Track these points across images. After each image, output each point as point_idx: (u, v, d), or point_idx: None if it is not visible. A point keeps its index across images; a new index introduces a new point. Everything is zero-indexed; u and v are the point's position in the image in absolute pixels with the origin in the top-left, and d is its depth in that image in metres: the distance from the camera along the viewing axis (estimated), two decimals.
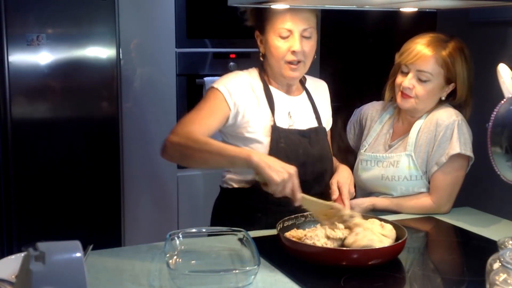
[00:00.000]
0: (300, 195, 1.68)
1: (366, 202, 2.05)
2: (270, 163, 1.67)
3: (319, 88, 2.12)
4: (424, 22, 2.51)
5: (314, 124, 2.01)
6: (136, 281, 1.44)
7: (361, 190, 2.16)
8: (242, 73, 1.99)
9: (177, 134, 1.80)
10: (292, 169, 1.67)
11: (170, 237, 1.58)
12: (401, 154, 2.06)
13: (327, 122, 2.10)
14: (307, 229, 1.69)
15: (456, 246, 1.89)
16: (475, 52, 2.12)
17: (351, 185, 1.96)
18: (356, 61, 3.73)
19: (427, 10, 2.05)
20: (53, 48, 2.75)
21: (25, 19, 2.69)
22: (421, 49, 2.01)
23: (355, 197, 2.02)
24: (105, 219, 2.96)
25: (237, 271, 1.47)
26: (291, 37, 1.88)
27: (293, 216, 1.76)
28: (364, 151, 2.16)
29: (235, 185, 1.97)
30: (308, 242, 1.56)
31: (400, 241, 1.58)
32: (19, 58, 2.70)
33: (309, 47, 1.91)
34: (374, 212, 2.01)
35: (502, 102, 1.55)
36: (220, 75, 2.02)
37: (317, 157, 1.96)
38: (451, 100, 2.08)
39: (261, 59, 1.99)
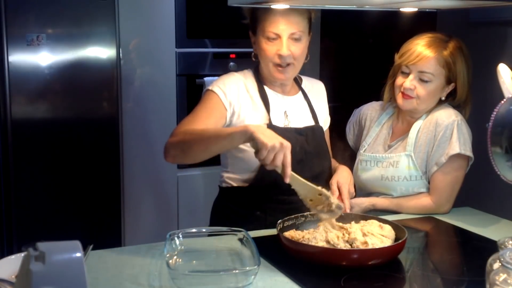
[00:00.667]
0: (290, 171, 1.63)
1: (366, 202, 2.05)
2: (265, 131, 1.64)
3: (316, 88, 2.12)
4: (424, 22, 2.51)
5: (311, 123, 2.02)
6: (136, 281, 1.44)
7: (361, 190, 2.16)
8: (236, 74, 2.00)
9: (176, 135, 1.82)
10: (286, 142, 1.62)
11: (170, 237, 1.58)
12: (400, 154, 2.06)
13: (325, 122, 2.10)
14: (305, 231, 1.69)
15: (456, 246, 1.89)
16: (475, 52, 2.12)
17: (351, 185, 1.96)
18: (356, 61, 3.73)
19: (427, 10, 2.05)
20: (53, 48, 2.75)
21: (25, 19, 2.69)
22: (422, 50, 2.01)
23: (354, 197, 2.02)
24: (105, 219, 2.96)
25: (237, 271, 1.47)
26: (278, 41, 1.87)
27: (293, 216, 1.75)
28: (364, 152, 2.16)
29: (234, 184, 1.97)
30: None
31: (400, 241, 1.58)
32: (19, 58, 2.70)
33: (299, 49, 1.90)
34: (374, 212, 2.01)
35: (502, 102, 1.55)
36: (220, 75, 2.03)
37: (315, 154, 1.96)
38: (450, 100, 2.08)
39: (253, 59, 2.00)
